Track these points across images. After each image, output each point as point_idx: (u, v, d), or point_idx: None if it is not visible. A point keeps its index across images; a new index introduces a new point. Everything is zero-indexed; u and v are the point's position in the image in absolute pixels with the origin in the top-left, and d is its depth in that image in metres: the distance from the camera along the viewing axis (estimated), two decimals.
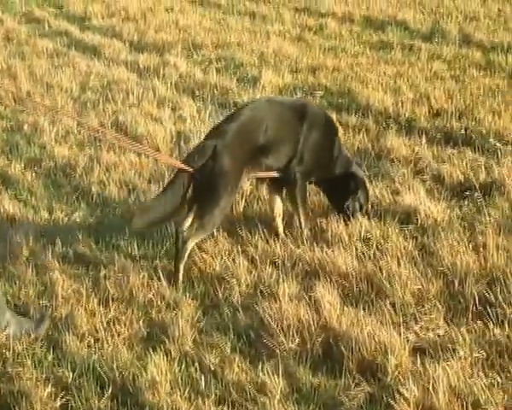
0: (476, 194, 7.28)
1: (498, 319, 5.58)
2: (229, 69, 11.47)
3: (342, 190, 6.86)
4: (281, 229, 6.89)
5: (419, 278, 6.05)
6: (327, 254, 6.44)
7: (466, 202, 7.21)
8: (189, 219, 6.39)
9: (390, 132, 8.69)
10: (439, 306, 5.79)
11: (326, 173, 6.91)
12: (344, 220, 6.84)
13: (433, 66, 10.84)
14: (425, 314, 5.72)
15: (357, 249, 6.56)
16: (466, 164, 7.82)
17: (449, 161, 7.94)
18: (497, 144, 8.14)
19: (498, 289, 5.79)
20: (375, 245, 6.59)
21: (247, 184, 7.27)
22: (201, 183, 6.25)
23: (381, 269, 6.22)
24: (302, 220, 6.77)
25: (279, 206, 6.90)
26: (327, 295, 5.94)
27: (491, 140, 8.21)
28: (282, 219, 6.93)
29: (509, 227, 6.64)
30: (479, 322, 5.60)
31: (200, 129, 9.14)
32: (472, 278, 5.97)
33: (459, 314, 5.73)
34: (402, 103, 9.42)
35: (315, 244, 6.65)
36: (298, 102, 7.43)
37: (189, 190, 6.34)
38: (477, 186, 7.42)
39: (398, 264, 6.21)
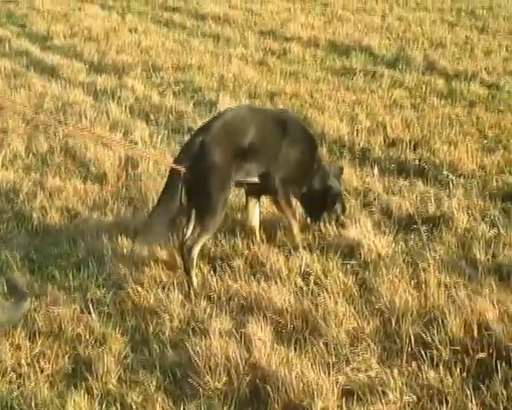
0: (423, 227, 7.03)
1: (433, 362, 5.33)
2: (187, 93, 11.23)
3: (320, 201, 6.95)
4: (257, 233, 6.95)
5: (355, 317, 5.82)
6: (263, 289, 6.19)
7: (412, 236, 6.95)
8: (190, 226, 6.38)
9: (343, 162, 8.47)
10: (374, 346, 5.55)
11: (305, 184, 6.92)
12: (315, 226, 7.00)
13: (393, 93, 10.62)
14: (358, 355, 5.47)
15: (296, 284, 6.31)
16: (416, 196, 7.59)
17: (399, 193, 7.73)
18: (450, 176, 7.94)
19: (435, 330, 5.54)
20: (314, 280, 6.35)
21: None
22: (194, 180, 6.20)
23: (317, 306, 5.99)
24: (293, 224, 6.81)
25: (256, 215, 6.96)
26: (259, 332, 5.72)
27: (444, 172, 8.00)
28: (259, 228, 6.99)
29: (453, 264, 6.40)
30: (413, 364, 5.35)
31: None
32: (410, 316, 5.75)
33: (393, 355, 5.51)
34: (357, 132, 9.22)
35: (252, 278, 6.39)
36: (281, 113, 7.45)
37: (183, 191, 6.27)
38: (425, 219, 7.21)
39: (336, 301, 5.98)
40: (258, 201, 6.98)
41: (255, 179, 6.68)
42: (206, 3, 16.28)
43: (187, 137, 9.20)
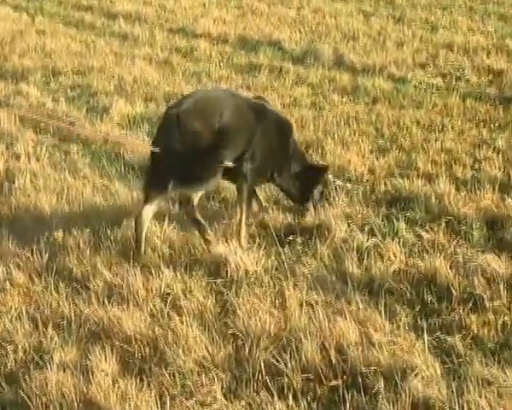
0: (299, 239, 6.60)
1: (284, 391, 4.89)
2: (82, 98, 10.68)
3: (303, 183, 6.89)
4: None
5: (207, 343, 5.34)
6: (115, 314, 5.70)
7: (286, 250, 6.51)
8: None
9: None
10: (223, 375, 5.09)
11: (283, 170, 6.82)
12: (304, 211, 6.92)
13: (295, 91, 10.15)
14: (204, 386, 5.00)
15: (154, 306, 5.84)
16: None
17: (278, 202, 7.26)
18: (337, 182, 7.49)
19: (289, 356, 5.11)
20: (172, 302, 5.88)
21: None
22: (176, 152, 6.16)
23: (172, 331, 5.51)
24: (243, 212, 6.64)
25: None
26: (103, 363, 5.21)
27: (329, 177, 7.55)
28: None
29: (323, 280, 5.98)
30: (261, 394, 4.90)
31: (33, 167, 8.36)
32: (265, 341, 5.28)
33: (243, 384, 5.03)
34: None
35: (107, 302, 5.91)
36: (255, 100, 7.23)
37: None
38: (303, 230, 6.82)
39: (189, 325, 5.51)
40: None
41: (229, 164, 6.45)
42: (120, 1, 15.66)
43: (76, 147, 8.77)
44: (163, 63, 12.02)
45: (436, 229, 6.64)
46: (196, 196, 6.65)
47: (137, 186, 7.75)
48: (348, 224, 6.83)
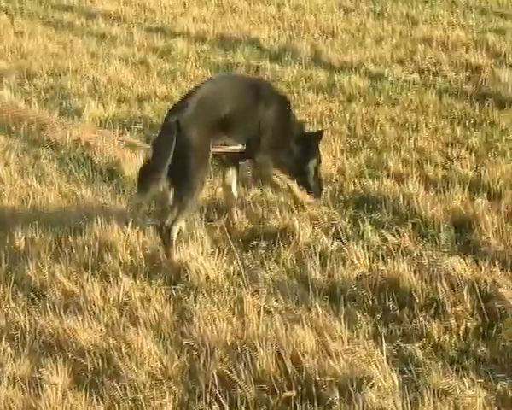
0: (263, 243, 6.46)
1: (237, 403, 4.75)
2: (55, 100, 10.52)
3: (301, 155, 6.85)
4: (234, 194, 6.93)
5: (162, 354, 5.20)
6: (69, 325, 5.56)
7: (249, 255, 6.36)
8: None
9: None
10: (176, 388, 4.94)
11: (285, 146, 6.81)
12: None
13: None
14: (155, 399, 4.86)
15: (110, 317, 5.69)
16: (263, 208, 6.98)
17: (246, 205, 7.12)
18: None
19: (243, 366, 4.96)
20: (129, 312, 5.72)
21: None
22: (172, 160, 6.09)
23: (127, 343, 5.36)
24: (291, 185, 6.83)
25: (234, 179, 6.88)
26: (55, 376, 5.08)
27: None
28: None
29: (284, 286, 5.83)
30: (214, 407, 4.76)
31: (0, 172, 8.21)
32: (221, 350, 5.13)
33: (196, 397, 4.89)
34: None
35: (63, 312, 5.76)
36: (254, 80, 7.56)
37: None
38: (267, 234, 6.68)
39: (146, 337, 5.36)
40: (237, 170, 6.88)
41: (238, 147, 6.54)
42: (100, 1, 15.50)
43: (45, 151, 8.62)
44: (139, 63, 11.86)
45: (403, 231, 6.46)
46: None
47: (104, 191, 7.60)
48: (314, 227, 6.65)
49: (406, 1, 14.08)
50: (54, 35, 13.94)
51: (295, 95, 9.93)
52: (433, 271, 5.83)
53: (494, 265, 5.86)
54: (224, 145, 6.54)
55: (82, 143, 8.76)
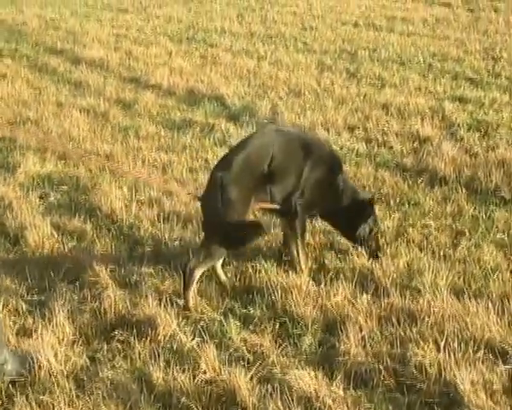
0: (121, 334, 6.24)
1: None
2: (1, 152, 10.46)
3: (353, 220, 6.94)
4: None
5: None
6: None
7: (107, 346, 6.14)
8: None
9: None
10: None
11: (332, 206, 6.92)
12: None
13: (212, 152, 9.78)
14: None
15: None
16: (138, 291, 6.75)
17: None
18: None
19: None
20: None
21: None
22: (209, 213, 6.48)
23: None
24: (301, 252, 6.85)
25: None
26: None
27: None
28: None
29: (122, 390, 5.56)
30: None
31: None
32: None
33: None
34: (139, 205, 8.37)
35: None
36: (304, 135, 7.56)
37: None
38: (137, 322, 6.34)
39: None
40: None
41: (275, 206, 6.72)
42: (91, 46, 15.48)
43: None
44: (100, 116, 11.71)
45: (269, 330, 6.15)
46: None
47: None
48: (181, 319, 6.38)
49: (384, 61, 13.71)
50: (33, 80, 13.90)
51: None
52: (274, 385, 5.46)
53: (343, 382, 5.47)
54: (264, 202, 6.70)
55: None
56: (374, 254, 6.97)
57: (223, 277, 6.85)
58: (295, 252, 6.83)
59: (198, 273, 6.45)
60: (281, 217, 7.00)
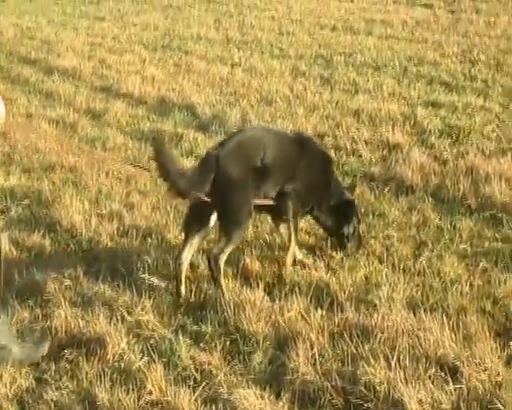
0: (70, 353, 6.09)
1: None
2: None
3: (338, 217, 7.07)
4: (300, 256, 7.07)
5: None
6: None
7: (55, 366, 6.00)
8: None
9: None
10: None
11: (322, 204, 6.99)
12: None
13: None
14: None
15: None
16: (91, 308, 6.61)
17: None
18: (152, 279, 6.94)
19: None
20: None
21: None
22: (215, 192, 6.31)
23: None
24: (293, 241, 6.86)
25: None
26: None
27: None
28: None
29: None
30: None
31: None
32: None
33: None
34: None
35: None
36: (296, 134, 7.49)
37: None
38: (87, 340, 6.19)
39: None
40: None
41: (270, 202, 6.70)
42: (65, 55, 15.33)
43: None
44: (69, 127, 11.56)
45: (220, 348, 6.00)
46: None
47: None
48: (131, 337, 6.22)
49: (360, 66, 13.58)
50: (4, 91, 13.74)
51: None
52: (219, 406, 5.32)
53: (289, 401, 5.33)
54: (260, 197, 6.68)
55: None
56: (353, 251, 7.10)
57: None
58: (291, 249, 6.86)
59: (223, 260, 6.45)
60: (274, 215, 7.01)
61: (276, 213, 6.91)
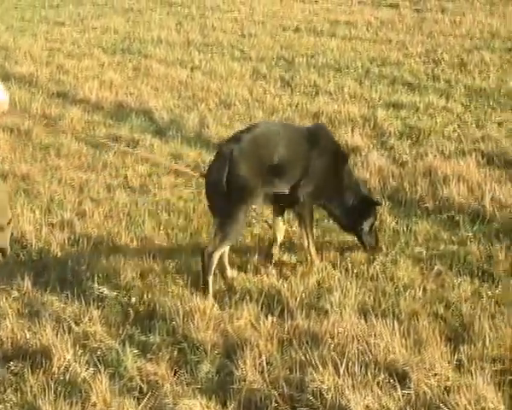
0: (15, 365, 5.95)
1: None
2: None
3: (355, 213, 6.99)
4: (276, 257, 7.07)
5: None
6: None
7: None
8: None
9: None
10: None
11: (335, 198, 6.95)
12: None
13: (133, 171, 9.47)
14: None
15: None
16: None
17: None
18: (101, 289, 6.80)
19: None
20: None
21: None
22: (220, 188, 6.31)
23: None
24: (310, 239, 6.88)
25: (281, 231, 7.10)
26: None
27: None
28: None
29: None
30: None
31: None
32: None
33: None
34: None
35: None
36: (311, 127, 7.41)
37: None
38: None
39: None
40: (283, 216, 7.09)
41: (285, 191, 6.67)
42: (22, 63, 15.11)
43: None
44: (24, 134, 11.35)
45: (167, 357, 5.86)
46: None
47: None
48: (78, 347, 6.07)
49: (321, 68, 13.49)
50: None
51: (154, 179, 9.35)
52: None
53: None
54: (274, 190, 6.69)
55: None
56: (373, 247, 7.06)
57: (229, 271, 6.86)
58: (306, 243, 6.87)
59: (216, 257, 6.43)
60: (287, 207, 6.96)
61: (290, 205, 6.87)
